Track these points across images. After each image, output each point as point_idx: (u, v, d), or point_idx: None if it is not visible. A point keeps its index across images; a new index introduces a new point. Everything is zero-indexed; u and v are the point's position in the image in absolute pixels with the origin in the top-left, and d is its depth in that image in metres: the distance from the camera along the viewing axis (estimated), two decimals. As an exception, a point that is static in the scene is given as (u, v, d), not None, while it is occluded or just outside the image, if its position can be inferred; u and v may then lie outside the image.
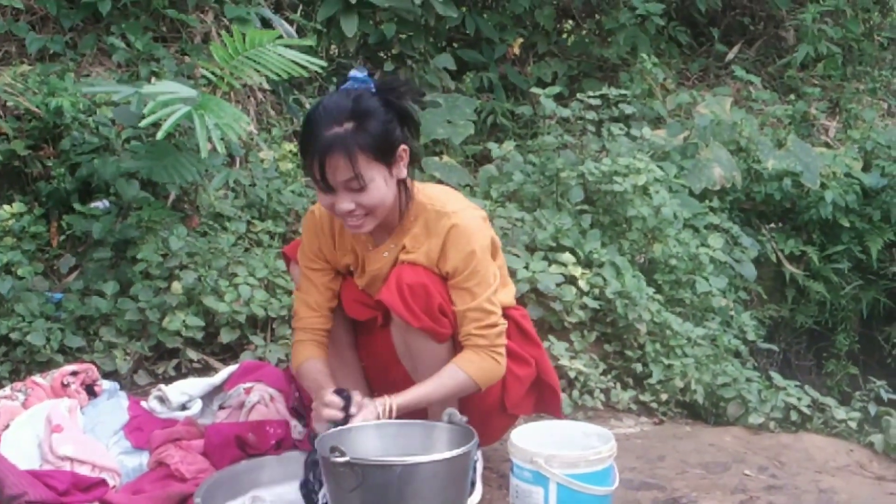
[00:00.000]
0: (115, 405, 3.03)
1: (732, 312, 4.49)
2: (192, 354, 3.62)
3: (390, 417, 2.47)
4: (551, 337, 3.73)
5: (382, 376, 2.77)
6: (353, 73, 2.53)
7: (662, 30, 6.78)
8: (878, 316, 5.88)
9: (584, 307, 3.88)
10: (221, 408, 3.05)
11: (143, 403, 3.09)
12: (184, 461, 2.68)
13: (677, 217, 4.53)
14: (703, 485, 2.92)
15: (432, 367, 2.58)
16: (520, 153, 4.92)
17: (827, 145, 6.37)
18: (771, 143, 5.77)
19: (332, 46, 5.96)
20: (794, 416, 3.63)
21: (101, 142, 3.95)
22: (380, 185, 2.47)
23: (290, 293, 3.71)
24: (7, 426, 2.80)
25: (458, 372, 2.55)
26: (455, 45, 6.46)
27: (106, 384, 3.14)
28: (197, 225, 4.00)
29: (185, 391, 3.10)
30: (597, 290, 3.93)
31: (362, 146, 2.42)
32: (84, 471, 2.66)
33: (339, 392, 2.48)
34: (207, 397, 3.14)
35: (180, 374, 3.58)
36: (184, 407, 3.08)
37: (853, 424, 3.60)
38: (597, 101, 4.98)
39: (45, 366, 3.38)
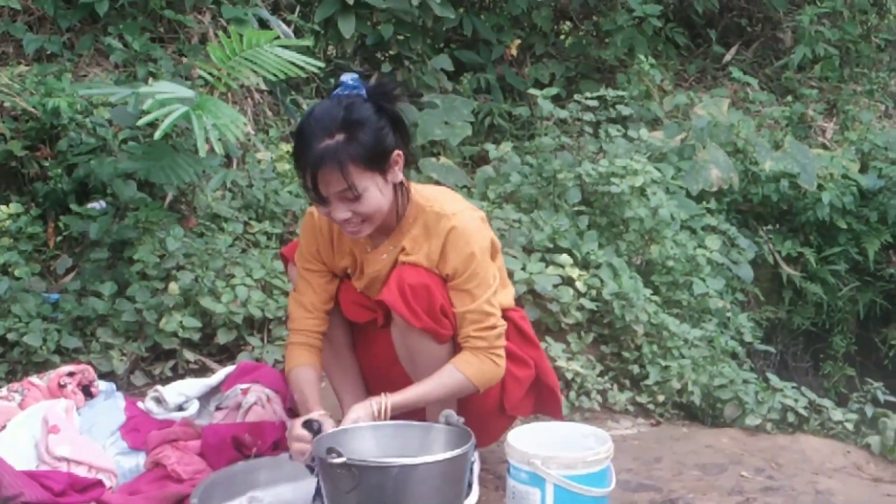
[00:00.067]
0: (111, 406, 3.03)
1: (729, 314, 4.49)
2: (189, 355, 3.62)
3: (385, 416, 2.47)
4: (548, 338, 3.73)
5: (381, 378, 2.77)
6: (344, 78, 2.51)
7: (660, 31, 6.79)
8: (874, 317, 5.88)
9: (581, 308, 3.88)
10: (218, 409, 3.05)
11: (140, 404, 3.08)
12: (180, 462, 2.68)
13: (674, 218, 4.54)
14: (699, 486, 2.92)
15: (432, 368, 2.57)
16: (517, 154, 4.92)
17: (824, 147, 6.38)
18: (768, 144, 5.77)
19: (330, 47, 5.97)
20: (790, 417, 3.63)
21: (98, 142, 3.95)
22: (374, 194, 2.47)
23: (287, 294, 3.70)
24: (3, 427, 2.80)
25: (455, 373, 2.55)
26: (452, 46, 6.46)
27: (103, 385, 3.14)
28: (194, 226, 3.99)
29: (182, 392, 3.10)
30: (594, 292, 3.93)
31: (354, 157, 2.41)
32: (80, 471, 2.65)
33: (308, 425, 2.42)
34: (204, 398, 3.14)
35: (177, 374, 3.57)
36: (180, 408, 3.07)
37: (850, 426, 3.59)
38: (594, 103, 4.98)
39: (42, 366, 3.38)
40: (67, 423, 2.81)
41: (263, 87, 4.74)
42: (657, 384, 3.76)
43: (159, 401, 3.06)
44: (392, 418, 2.49)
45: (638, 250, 4.42)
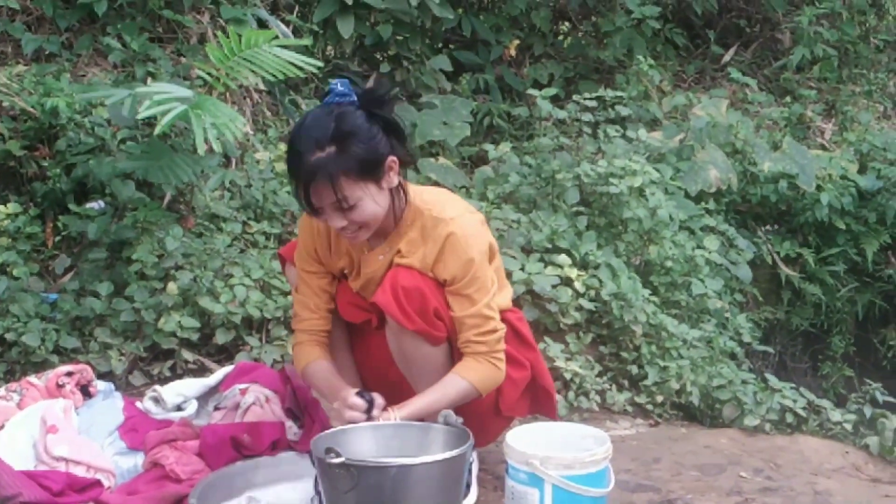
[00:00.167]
0: (110, 406, 3.03)
1: (728, 314, 4.49)
2: (188, 355, 3.61)
3: None
4: (547, 339, 3.73)
5: (378, 378, 2.77)
6: (333, 85, 2.48)
7: (658, 32, 6.79)
8: (873, 318, 5.88)
9: (579, 309, 3.88)
10: (217, 409, 3.05)
11: (139, 404, 3.08)
12: (179, 462, 2.68)
13: (673, 219, 4.54)
14: (698, 487, 2.92)
15: (426, 370, 2.58)
16: (516, 155, 4.92)
17: (823, 147, 6.38)
18: (767, 145, 5.77)
19: (329, 47, 5.96)
20: (789, 418, 3.62)
21: (96, 142, 3.94)
22: (368, 203, 2.47)
23: (285, 294, 3.71)
24: (2, 427, 2.80)
25: (460, 381, 2.55)
26: (451, 46, 6.46)
27: (101, 385, 3.13)
28: (192, 226, 3.99)
29: (181, 392, 3.10)
30: (592, 292, 3.93)
31: (346, 170, 2.41)
32: (79, 471, 2.65)
33: (361, 394, 2.49)
34: (203, 398, 3.14)
35: (175, 374, 3.57)
36: (179, 408, 3.07)
37: (849, 427, 3.59)
38: (593, 103, 4.98)
39: (41, 366, 3.38)
40: (66, 422, 2.81)
41: (262, 87, 4.74)
42: (656, 385, 3.76)
43: (158, 401, 3.06)
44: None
45: (636, 251, 4.42)
